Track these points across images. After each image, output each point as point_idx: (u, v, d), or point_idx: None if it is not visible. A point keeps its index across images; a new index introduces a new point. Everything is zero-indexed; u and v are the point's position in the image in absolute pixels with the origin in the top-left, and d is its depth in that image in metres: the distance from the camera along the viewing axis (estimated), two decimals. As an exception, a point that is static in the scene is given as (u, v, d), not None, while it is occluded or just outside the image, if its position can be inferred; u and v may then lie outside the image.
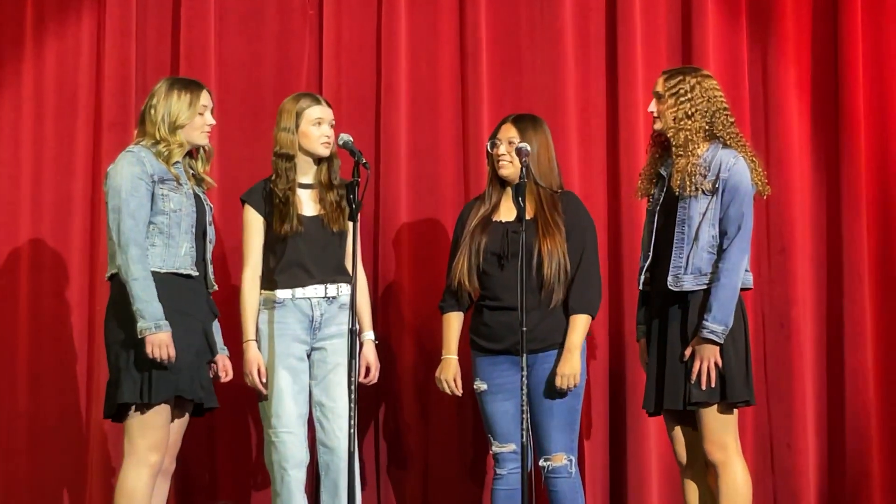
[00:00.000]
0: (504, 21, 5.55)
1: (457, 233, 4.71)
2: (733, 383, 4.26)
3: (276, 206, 4.61)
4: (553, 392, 4.52)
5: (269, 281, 4.65)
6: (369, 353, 4.70)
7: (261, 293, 4.65)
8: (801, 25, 5.62)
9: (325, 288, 4.64)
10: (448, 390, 4.65)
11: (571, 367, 4.50)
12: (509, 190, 4.66)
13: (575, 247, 4.57)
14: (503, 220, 4.63)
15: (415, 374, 5.36)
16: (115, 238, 4.25)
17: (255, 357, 4.58)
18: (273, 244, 4.66)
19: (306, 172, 4.69)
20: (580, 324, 4.55)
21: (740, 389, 4.27)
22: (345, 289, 4.64)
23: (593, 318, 4.61)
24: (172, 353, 4.19)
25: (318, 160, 4.69)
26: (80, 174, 5.42)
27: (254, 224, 4.66)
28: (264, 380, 4.58)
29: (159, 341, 4.19)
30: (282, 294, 4.62)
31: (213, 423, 5.26)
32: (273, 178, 4.65)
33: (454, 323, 4.69)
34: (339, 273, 4.66)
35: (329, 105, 4.72)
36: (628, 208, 5.43)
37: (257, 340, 4.61)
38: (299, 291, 4.62)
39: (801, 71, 5.61)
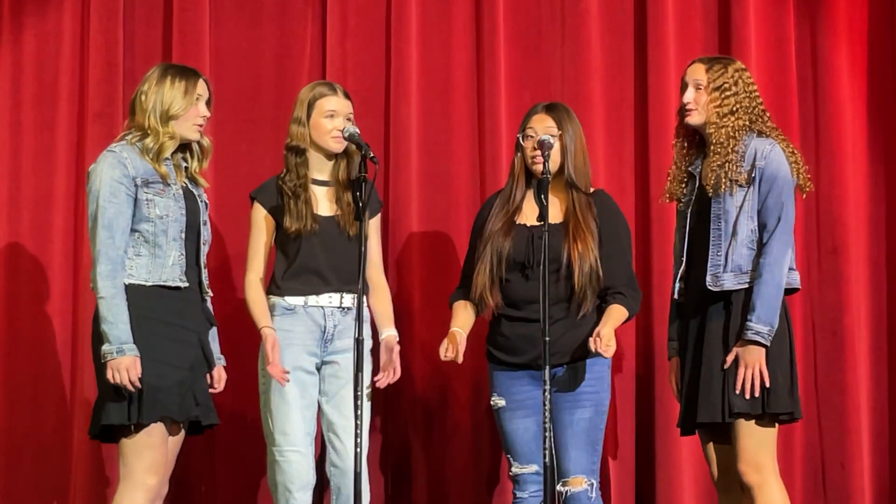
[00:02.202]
0: (523, 5, 5.40)
1: (474, 234, 4.54)
2: (777, 393, 4.09)
3: (287, 203, 4.43)
4: (574, 404, 4.33)
5: (278, 286, 4.46)
6: (395, 353, 4.43)
7: (268, 298, 4.47)
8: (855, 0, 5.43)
9: (341, 297, 4.44)
10: (442, 352, 4.37)
11: (608, 332, 4.22)
12: None
13: (611, 252, 4.38)
14: (528, 224, 4.44)
15: (424, 392, 5.21)
16: (91, 248, 4.12)
17: (270, 338, 4.34)
18: (284, 245, 4.47)
19: (321, 169, 4.51)
20: (618, 311, 4.33)
21: (785, 400, 4.11)
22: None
23: (629, 318, 4.40)
24: (135, 378, 4.02)
25: (334, 156, 4.50)
26: (61, 168, 5.30)
27: (262, 224, 4.49)
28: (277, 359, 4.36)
29: (118, 365, 4.01)
30: (293, 301, 4.43)
31: (210, 439, 5.10)
32: (283, 173, 4.50)
33: (461, 307, 4.48)
34: (355, 281, 4.42)
35: (348, 97, 4.54)
36: (659, 208, 5.22)
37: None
38: (312, 299, 4.43)
39: (856, 51, 5.41)
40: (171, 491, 4.26)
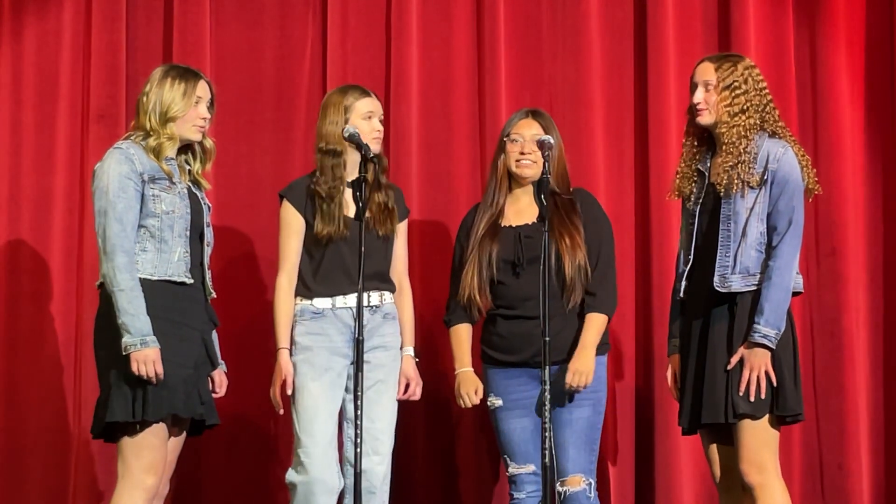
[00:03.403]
0: (524, 5, 5.39)
1: (460, 244, 4.55)
2: (785, 394, 4.07)
3: (319, 206, 4.40)
4: (572, 403, 4.34)
5: (306, 288, 4.43)
6: (409, 369, 4.53)
7: (297, 301, 4.43)
8: (854, 3, 5.39)
9: (368, 296, 4.40)
10: (470, 404, 4.49)
11: (585, 363, 4.33)
12: (517, 192, 4.51)
13: (592, 245, 4.42)
14: (513, 225, 4.47)
15: (424, 391, 4.96)
16: (100, 244, 4.10)
17: (284, 367, 4.37)
18: (311, 247, 4.44)
19: (354, 171, 4.46)
20: (597, 322, 4.40)
21: (793, 402, 4.09)
22: (388, 297, 4.46)
23: (610, 319, 4.45)
24: (160, 370, 4.01)
25: (366, 158, 4.44)
26: (61, 168, 5.26)
27: (293, 223, 4.44)
28: (289, 392, 4.35)
29: (144, 358, 4.01)
30: (321, 303, 4.40)
31: (221, 438, 5.05)
32: (316, 175, 4.45)
33: (464, 334, 4.54)
34: (382, 280, 4.47)
35: (378, 98, 4.54)
36: (658, 209, 5.23)
37: (291, 351, 4.41)
38: (340, 300, 4.40)
39: (854, 54, 5.39)
40: (175, 493, 4.26)
